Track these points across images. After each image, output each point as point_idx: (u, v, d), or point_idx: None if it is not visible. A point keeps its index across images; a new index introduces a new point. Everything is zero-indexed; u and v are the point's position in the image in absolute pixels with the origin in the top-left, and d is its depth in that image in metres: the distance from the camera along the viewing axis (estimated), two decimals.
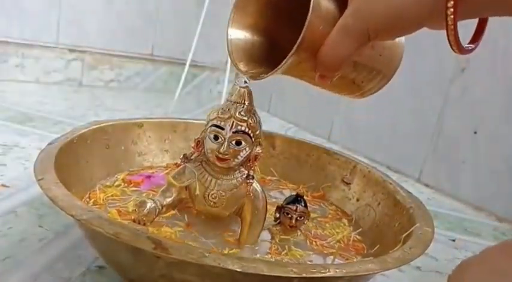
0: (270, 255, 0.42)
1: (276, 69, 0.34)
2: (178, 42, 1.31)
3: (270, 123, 1.12)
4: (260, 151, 0.42)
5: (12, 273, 0.39)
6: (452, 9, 0.28)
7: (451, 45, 0.31)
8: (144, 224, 0.38)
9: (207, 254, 0.30)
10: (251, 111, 0.41)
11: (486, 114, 0.77)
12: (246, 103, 0.41)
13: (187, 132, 0.61)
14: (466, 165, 0.80)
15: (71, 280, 0.40)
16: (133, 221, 0.38)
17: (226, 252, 0.41)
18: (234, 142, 0.40)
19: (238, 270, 0.30)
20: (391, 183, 0.53)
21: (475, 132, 0.79)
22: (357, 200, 0.56)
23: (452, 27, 0.29)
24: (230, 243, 0.43)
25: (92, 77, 1.20)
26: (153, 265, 0.32)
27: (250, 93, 0.41)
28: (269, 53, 0.40)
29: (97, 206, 0.46)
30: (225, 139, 0.40)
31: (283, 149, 0.64)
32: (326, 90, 0.40)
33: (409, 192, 0.51)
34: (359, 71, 0.38)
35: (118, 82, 1.25)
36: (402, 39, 0.39)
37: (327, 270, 0.32)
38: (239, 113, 0.40)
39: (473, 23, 0.34)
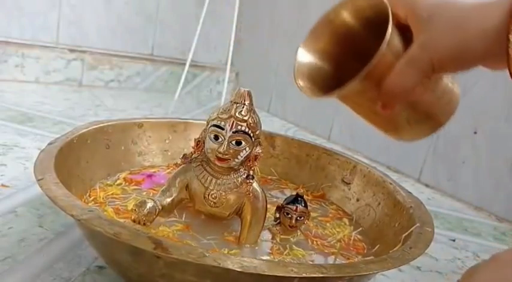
0: (271, 255, 0.42)
1: (339, 90, 0.36)
2: (178, 42, 1.31)
3: (270, 123, 1.12)
4: (260, 151, 0.42)
5: (12, 273, 0.39)
6: None
7: (511, 75, 0.32)
8: (144, 224, 0.38)
9: (207, 254, 0.30)
10: (251, 111, 0.41)
11: (486, 114, 0.77)
12: (246, 103, 0.41)
13: (187, 132, 0.61)
14: (466, 165, 0.80)
15: (71, 280, 0.40)
16: (134, 221, 0.38)
17: (226, 252, 0.41)
18: (234, 142, 0.40)
19: (238, 270, 0.30)
20: (391, 183, 0.53)
21: (475, 132, 0.79)
22: (357, 200, 0.56)
23: None
24: (230, 243, 0.43)
25: (92, 77, 1.20)
26: (153, 265, 0.32)
27: (250, 94, 0.41)
28: (332, 81, 0.42)
29: (97, 204, 0.46)
30: (225, 139, 0.40)
31: (283, 149, 0.64)
32: (376, 127, 0.42)
33: (409, 192, 0.51)
34: (416, 110, 0.39)
35: (118, 82, 1.25)
36: (458, 91, 0.40)
37: (327, 270, 0.32)
38: (239, 113, 0.40)
39: None
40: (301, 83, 0.41)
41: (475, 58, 0.34)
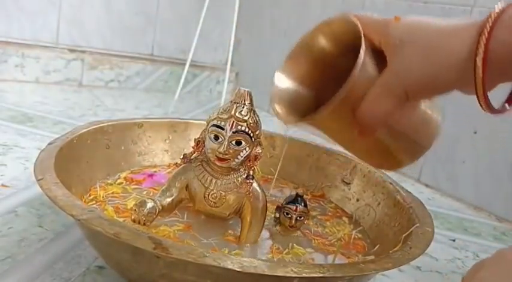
0: (271, 255, 0.42)
1: (313, 115, 0.36)
2: (178, 42, 1.31)
3: (270, 123, 1.11)
4: (260, 151, 0.42)
5: (12, 273, 0.39)
6: (480, 66, 0.30)
7: (480, 103, 0.33)
8: (144, 224, 0.38)
9: (207, 254, 0.30)
10: (251, 111, 0.41)
11: (486, 114, 0.77)
12: (246, 103, 0.41)
13: (187, 132, 0.61)
14: (466, 165, 0.80)
15: (71, 280, 0.40)
16: (133, 221, 0.38)
17: (226, 252, 0.41)
18: (234, 142, 0.40)
19: (238, 270, 0.30)
20: (391, 183, 0.53)
21: (475, 132, 0.79)
22: (357, 200, 0.56)
23: (480, 83, 0.31)
24: (230, 243, 0.43)
25: (92, 77, 1.20)
26: (153, 265, 0.32)
27: (250, 94, 0.41)
28: (311, 107, 0.41)
29: (97, 203, 0.46)
30: (225, 139, 0.40)
31: (283, 149, 0.64)
32: (356, 155, 0.42)
33: (409, 192, 0.51)
34: (395, 138, 0.38)
35: (118, 82, 1.25)
36: (440, 116, 0.40)
37: (327, 270, 0.32)
38: (239, 113, 0.40)
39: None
40: (277, 108, 0.40)
41: (447, 85, 0.34)
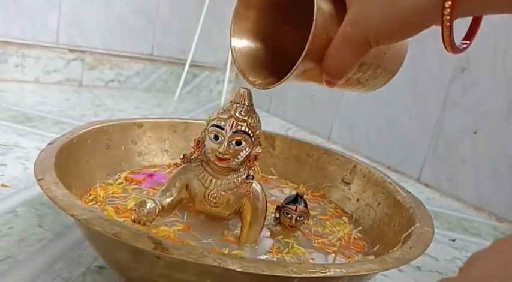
0: (271, 254, 0.42)
1: (283, 80, 0.35)
2: (178, 42, 1.31)
3: (270, 123, 1.12)
4: (260, 151, 0.42)
5: (12, 273, 0.39)
6: (449, 10, 0.29)
7: (444, 45, 0.31)
8: (144, 224, 0.38)
9: (207, 254, 0.30)
10: (251, 111, 0.41)
11: (486, 114, 0.77)
12: (246, 103, 0.41)
13: (187, 132, 0.61)
14: (466, 165, 0.80)
15: (71, 280, 0.40)
16: (133, 221, 0.38)
17: (226, 252, 0.41)
18: (234, 142, 0.40)
19: (238, 270, 0.30)
20: (391, 183, 0.53)
21: (475, 132, 0.79)
22: (357, 200, 0.56)
23: (448, 26, 0.29)
24: (230, 243, 0.43)
25: (92, 77, 1.20)
26: (153, 265, 0.32)
27: (250, 94, 0.41)
28: (275, 56, 0.40)
29: (97, 203, 0.46)
30: (225, 139, 0.40)
31: (283, 149, 0.64)
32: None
33: (409, 192, 0.51)
34: (364, 71, 0.38)
35: (118, 82, 1.25)
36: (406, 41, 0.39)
37: (327, 270, 0.32)
38: (239, 113, 0.40)
39: (465, 21, 0.34)
40: (251, 77, 0.39)
41: (410, 31, 0.31)
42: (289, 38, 0.39)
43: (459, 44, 0.33)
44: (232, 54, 0.39)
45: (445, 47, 0.31)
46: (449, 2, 0.28)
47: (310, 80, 0.38)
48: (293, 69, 0.34)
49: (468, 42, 0.34)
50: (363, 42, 0.32)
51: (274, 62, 0.40)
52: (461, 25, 0.34)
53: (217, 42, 1.36)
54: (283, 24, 0.40)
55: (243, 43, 0.40)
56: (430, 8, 0.30)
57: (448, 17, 0.29)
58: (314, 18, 0.32)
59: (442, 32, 0.30)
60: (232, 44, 0.39)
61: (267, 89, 0.38)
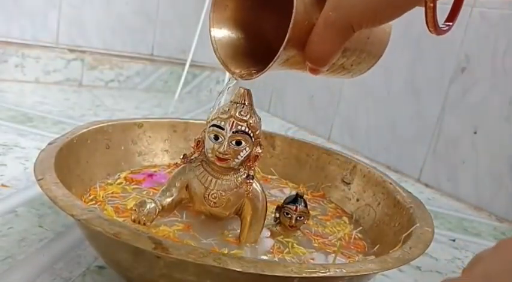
0: (271, 254, 0.42)
1: (266, 69, 0.35)
2: (178, 42, 1.31)
3: (270, 123, 1.11)
4: (260, 151, 0.42)
5: (12, 273, 0.39)
6: None
7: (428, 26, 0.31)
8: (144, 224, 0.38)
9: (207, 254, 0.30)
10: (251, 111, 0.41)
11: (486, 114, 0.77)
12: (246, 103, 0.41)
13: (187, 132, 0.61)
14: (466, 165, 0.80)
15: (71, 280, 0.40)
16: (133, 221, 0.38)
17: (226, 252, 0.41)
18: (234, 142, 0.40)
19: (238, 270, 0.30)
20: (391, 183, 0.53)
21: (475, 132, 0.79)
22: (357, 200, 0.56)
23: (431, 7, 0.29)
24: (230, 243, 0.43)
25: (92, 77, 1.20)
26: (153, 265, 0.32)
27: (250, 94, 0.41)
28: (256, 44, 0.39)
29: (97, 203, 0.46)
30: (225, 139, 0.40)
31: (283, 149, 0.64)
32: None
33: (409, 192, 0.51)
34: (348, 57, 0.37)
35: (118, 82, 1.25)
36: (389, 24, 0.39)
37: (327, 270, 0.32)
38: (239, 113, 0.40)
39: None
40: (232, 68, 0.38)
41: (393, 13, 0.31)
42: (269, 25, 0.39)
43: (442, 25, 0.33)
44: (212, 44, 0.39)
45: (428, 29, 0.31)
46: None
47: (294, 68, 0.37)
48: (275, 57, 0.33)
49: (451, 23, 0.34)
50: (346, 26, 0.31)
51: (256, 50, 0.39)
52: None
53: None
54: (262, 11, 0.39)
55: (222, 33, 0.39)
56: None
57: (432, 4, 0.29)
58: (294, 4, 0.31)
59: (426, 13, 0.30)
60: (212, 34, 0.39)
61: (250, 79, 0.38)
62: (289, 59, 0.35)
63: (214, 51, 0.39)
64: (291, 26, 0.32)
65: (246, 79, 0.38)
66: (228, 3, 0.39)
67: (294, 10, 0.31)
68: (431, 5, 0.29)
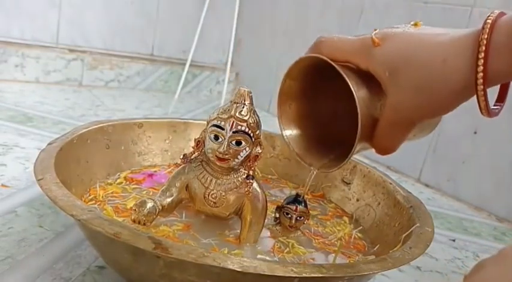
0: (271, 254, 0.42)
1: (341, 165, 0.41)
2: (178, 42, 1.31)
3: (270, 123, 1.11)
4: (260, 151, 0.42)
5: (12, 273, 0.39)
6: (481, 80, 0.32)
7: (481, 111, 0.35)
8: (144, 224, 0.38)
9: (207, 254, 0.30)
10: (251, 111, 0.41)
11: None
12: (246, 103, 0.41)
13: (187, 132, 0.61)
14: (466, 165, 0.80)
15: (71, 280, 0.40)
16: (133, 221, 0.38)
17: (226, 252, 0.41)
18: (234, 142, 0.40)
19: (238, 270, 0.30)
20: (391, 183, 0.53)
21: (475, 132, 0.79)
22: (357, 200, 0.56)
23: (483, 95, 0.33)
24: (230, 243, 0.43)
25: (92, 77, 1.20)
26: (153, 265, 0.32)
27: (250, 94, 0.41)
28: (319, 129, 0.45)
29: (97, 203, 0.46)
30: (225, 139, 0.40)
31: (283, 149, 0.64)
32: None
33: (409, 192, 0.51)
34: (410, 135, 0.41)
35: (118, 82, 1.25)
36: None
37: (327, 270, 0.32)
38: (239, 113, 0.40)
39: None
40: (308, 160, 0.44)
41: (449, 110, 0.36)
42: (327, 108, 0.44)
43: (493, 108, 0.36)
44: (287, 143, 0.45)
45: (481, 112, 0.35)
46: (481, 80, 0.32)
47: (363, 151, 0.42)
48: (349, 155, 0.39)
49: (501, 104, 0.38)
50: (407, 123, 0.37)
51: (321, 136, 0.44)
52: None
53: (217, 42, 1.36)
54: (321, 100, 0.45)
55: (291, 130, 0.45)
56: (461, 92, 0.34)
57: (482, 91, 0.33)
58: (358, 111, 0.36)
59: (478, 100, 0.34)
60: (284, 134, 0.45)
61: (327, 172, 0.46)
62: (359, 150, 0.40)
63: (289, 147, 0.45)
64: (359, 130, 0.36)
65: (323, 172, 0.44)
66: (291, 102, 0.44)
67: (359, 116, 0.36)
68: (482, 92, 0.33)
